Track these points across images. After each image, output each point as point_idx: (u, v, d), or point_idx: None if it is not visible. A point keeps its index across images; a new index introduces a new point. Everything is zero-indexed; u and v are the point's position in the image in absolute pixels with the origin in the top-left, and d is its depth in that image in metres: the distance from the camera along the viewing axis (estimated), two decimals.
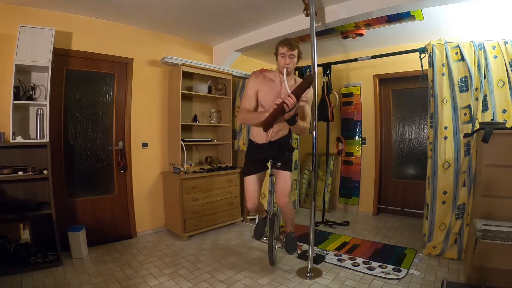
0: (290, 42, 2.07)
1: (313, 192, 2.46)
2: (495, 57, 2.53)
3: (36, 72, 2.61)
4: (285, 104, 1.80)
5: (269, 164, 2.39)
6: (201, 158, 3.92)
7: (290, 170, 2.26)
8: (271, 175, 2.43)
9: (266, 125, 1.93)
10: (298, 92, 1.85)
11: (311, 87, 2.16)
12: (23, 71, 2.52)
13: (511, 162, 2.12)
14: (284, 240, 2.51)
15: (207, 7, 2.82)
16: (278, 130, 2.23)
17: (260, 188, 2.34)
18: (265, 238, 2.57)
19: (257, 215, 2.62)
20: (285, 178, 2.22)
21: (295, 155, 4.26)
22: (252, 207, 2.28)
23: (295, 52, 2.06)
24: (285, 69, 2.04)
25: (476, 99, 2.56)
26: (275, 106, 1.88)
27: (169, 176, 3.45)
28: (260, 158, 2.30)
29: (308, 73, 1.98)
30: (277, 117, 1.89)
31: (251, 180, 2.28)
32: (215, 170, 3.59)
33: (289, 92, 1.89)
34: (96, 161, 3.14)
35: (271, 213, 2.47)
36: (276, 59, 2.12)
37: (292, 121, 1.94)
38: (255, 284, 2.28)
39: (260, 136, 2.24)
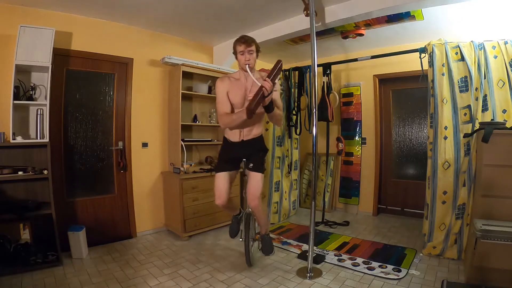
0: (246, 38, 2.08)
1: (313, 192, 2.47)
2: (495, 57, 2.53)
3: (36, 72, 2.61)
4: (264, 88, 1.85)
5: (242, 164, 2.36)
6: (201, 158, 3.92)
7: (262, 172, 2.24)
8: (244, 176, 2.39)
9: (249, 111, 1.92)
10: (272, 76, 1.91)
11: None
12: (23, 71, 2.52)
13: (511, 162, 2.12)
14: (261, 242, 2.48)
15: (207, 7, 2.82)
16: (251, 130, 2.23)
17: (230, 185, 2.31)
18: (240, 239, 2.56)
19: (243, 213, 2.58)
20: (256, 180, 2.19)
21: (295, 155, 4.27)
22: (221, 204, 2.25)
23: (253, 48, 2.09)
24: (247, 65, 2.06)
25: (476, 99, 2.56)
26: (250, 98, 1.94)
27: (169, 176, 3.45)
28: (233, 157, 2.29)
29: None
30: (258, 102, 1.91)
31: (221, 177, 2.26)
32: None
33: (258, 83, 1.94)
34: (96, 161, 3.13)
35: (246, 214, 2.46)
36: (236, 58, 2.15)
37: (270, 107, 1.98)
38: (255, 284, 2.28)
39: (234, 135, 2.25)
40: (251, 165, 2.22)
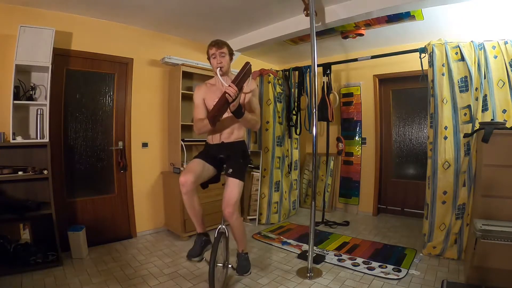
0: (217, 41, 2.06)
1: (313, 192, 2.47)
2: (495, 57, 2.53)
3: (36, 72, 2.60)
4: (227, 94, 1.75)
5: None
6: None
7: (241, 179, 2.08)
8: (223, 184, 2.17)
9: (212, 119, 1.85)
10: (238, 80, 1.80)
11: (252, 79, 2.11)
12: (23, 71, 2.52)
13: (511, 162, 2.12)
14: (236, 260, 2.22)
15: (207, 7, 2.82)
16: (231, 133, 2.17)
17: (203, 175, 2.06)
18: (197, 259, 2.04)
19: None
20: (233, 186, 2.06)
21: (295, 155, 4.27)
22: (184, 180, 1.90)
23: (225, 50, 2.05)
24: (219, 68, 2.03)
25: (476, 99, 2.56)
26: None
27: (169, 176, 3.45)
28: (212, 155, 2.17)
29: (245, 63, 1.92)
30: (222, 109, 1.83)
31: (196, 161, 2.10)
32: None
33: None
34: (96, 161, 3.13)
35: (218, 231, 2.16)
36: (210, 63, 2.11)
37: (238, 113, 1.87)
38: (255, 284, 2.28)
39: (214, 138, 2.19)
40: (230, 170, 2.09)
